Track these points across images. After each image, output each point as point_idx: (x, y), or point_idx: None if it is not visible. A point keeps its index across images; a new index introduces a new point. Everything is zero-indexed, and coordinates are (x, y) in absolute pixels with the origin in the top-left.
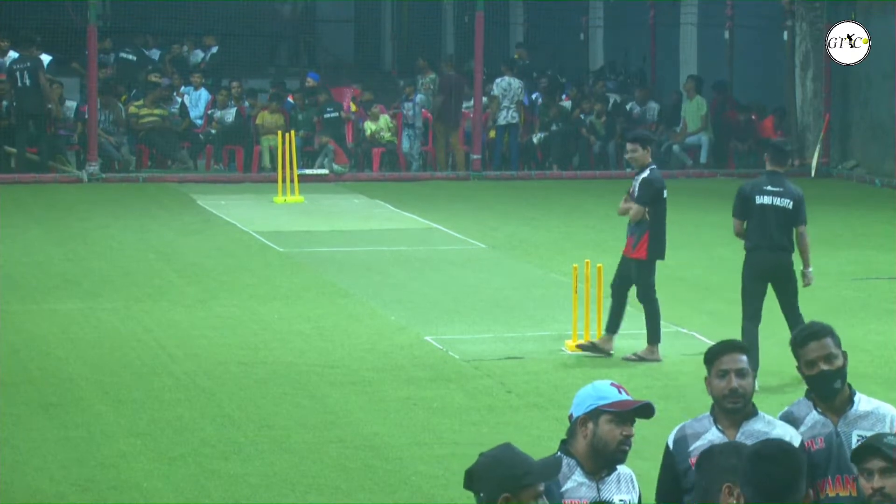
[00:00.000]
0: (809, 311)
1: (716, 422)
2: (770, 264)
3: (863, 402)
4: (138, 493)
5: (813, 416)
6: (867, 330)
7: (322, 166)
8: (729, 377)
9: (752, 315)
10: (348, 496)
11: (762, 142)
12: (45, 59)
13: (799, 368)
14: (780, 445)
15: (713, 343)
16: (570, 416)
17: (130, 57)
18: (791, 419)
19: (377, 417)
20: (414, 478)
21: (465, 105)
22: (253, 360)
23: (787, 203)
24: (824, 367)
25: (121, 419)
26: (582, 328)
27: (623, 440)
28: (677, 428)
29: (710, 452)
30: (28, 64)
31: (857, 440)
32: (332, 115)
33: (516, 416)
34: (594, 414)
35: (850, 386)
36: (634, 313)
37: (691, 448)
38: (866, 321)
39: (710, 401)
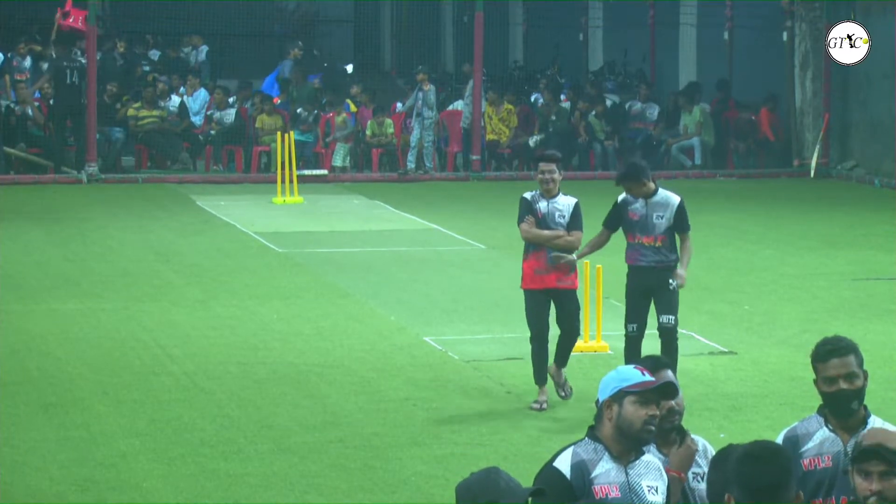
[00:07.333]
0: (810, 311)
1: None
2: None
3: (877, 426)
4: (138, 493)
5: (823, 433)
6: (867, 330)
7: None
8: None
9: None
10: (348, 496)
11: (761, 142)
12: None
13: (816, 383)
14: (769, 446)
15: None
16: (597, 402)
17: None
18: (797, 435)
19: (377, 418)
20: (413, 478)
21: (453, 105)
22: (252, 361)
23: None
24: (844, 385)
25: (120, 419)
26: (581, 329)
27: (648, 420)
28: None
29: (728, 453)
30: (78, 64)
31: None
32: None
33: (515, 417)
34: (618, 396)
35: (865, 407)
36: None
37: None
38: (866, 321)
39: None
